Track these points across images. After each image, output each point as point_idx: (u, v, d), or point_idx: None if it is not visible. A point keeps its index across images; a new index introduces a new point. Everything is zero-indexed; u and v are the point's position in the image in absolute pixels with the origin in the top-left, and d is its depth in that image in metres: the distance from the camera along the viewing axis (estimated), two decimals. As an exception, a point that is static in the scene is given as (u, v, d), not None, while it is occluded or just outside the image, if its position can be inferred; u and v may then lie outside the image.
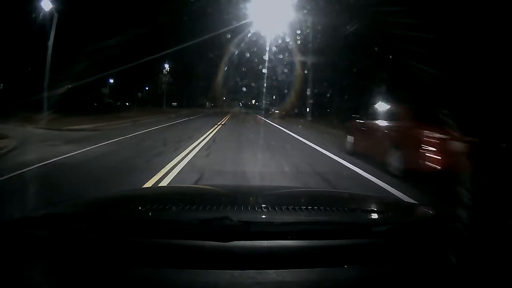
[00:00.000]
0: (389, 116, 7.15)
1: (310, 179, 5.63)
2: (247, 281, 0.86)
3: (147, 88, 62.00)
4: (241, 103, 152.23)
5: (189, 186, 3.29)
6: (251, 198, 1.68)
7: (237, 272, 0.89)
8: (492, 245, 1.06)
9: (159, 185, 4.61)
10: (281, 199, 1.72)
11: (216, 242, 0.94)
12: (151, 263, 0.92)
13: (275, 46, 26.66)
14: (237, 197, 1.73)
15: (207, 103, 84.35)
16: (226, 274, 0.88)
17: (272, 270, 0.89)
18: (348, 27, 18.14)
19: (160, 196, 1.85)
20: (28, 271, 0.91)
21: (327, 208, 1.44)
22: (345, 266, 0.93)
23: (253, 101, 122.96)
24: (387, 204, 1.84)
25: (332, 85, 24.17)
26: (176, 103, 58.48)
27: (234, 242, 0.95)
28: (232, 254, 0.92)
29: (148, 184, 4.75)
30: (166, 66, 54.23)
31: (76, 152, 7.56)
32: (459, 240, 1.08)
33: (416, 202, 3.73)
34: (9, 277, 0.87)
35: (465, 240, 1.08)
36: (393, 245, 1.03)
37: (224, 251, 0.92)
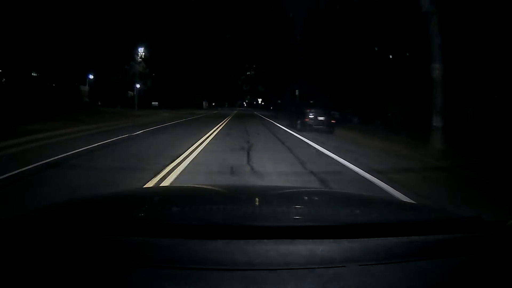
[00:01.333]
0: None
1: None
2: (247, 282, 0.83)
3: (138, 86, 49.53)
4: (246, 102, 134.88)
5: (191, 186, 3.09)
6: (253, 198, 1.61)
7: (237, 273, 0.86)
8: (494, 245, 1.05)
9: (160, 185, 4.50)
10: (282, 199, 1.67)
11: (216, 243, 0.94)
12: (151, 263, 0.89)
13: None
14: (239, 197, 1.69)
15: (204, 102, 68.75)
16: (226, 274, 0.86)
17: (272, 271, 0.87)
18: None
19: (161, 196, 1.79)
20: (23, 272, 0.87)
21: (329, 208, 1.49)
22: (345, 266, 0.90)
23: (259, 100, 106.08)
24: (389, 204, 1.87)
25: None
26: (157, 103, 42.83)
27: (234, 242, 0.94)
28: (232, 255, 0.90)
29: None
30: (141, 50, 38.59)
31: None
32: (462, 240, 1.08)
33: (417, 202, 3.64)
34: (4, 279, 0.84)
35: (468, 240, 1.08)
36: (394, 245, 1.01)
37: (224, 252, 0.91)
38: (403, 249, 0.99)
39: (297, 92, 28.93)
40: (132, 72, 38.13)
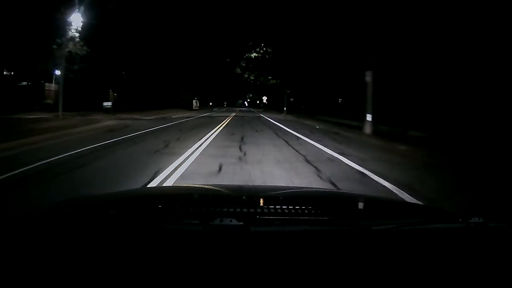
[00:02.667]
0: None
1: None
2: (245, 281, 0.84)
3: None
4: (247, 102, 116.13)
5: (192, 186, 3.12)
6: (253, 198, 1.62)
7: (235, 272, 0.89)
8: (494, 246, 1.05)
9: (163, 185, 4.57)
10: (282, 199, 1.69)
11: (215, 242, 0.96)
12: (151, 261, 0.90)
13: None
14: (240, 197, 1.68)
15: (194, 101, 53.13)
16: (224, 274, 0.87)
17: (271, 269, 0.88)
18: None
19: (163, 195, 1.83)
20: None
21: (328, 207, 1.47)
22: (344, 266, 0.92)
23: (264, 99, 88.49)
24: (388, 204, 1.84)
25: None
26: (110, 103, 27.14)
27: (233, 241, 0.96)
28: (230, 255, 0.91)
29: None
30: (77, 21, 22.88)
31: None
32: (462, 240, 1.08)
33: (417, 203, 3.60)
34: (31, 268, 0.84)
35: (467, 240, 1.08)
36: (393, 245, 1.02)
37: (223, 252, 0.92)
38: (402, 249, 0.98)
39: (368, 76, 12.94)
40: (61, 54, 22.74)
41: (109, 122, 18.81)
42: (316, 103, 33.64)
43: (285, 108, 38.87)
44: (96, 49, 31.40)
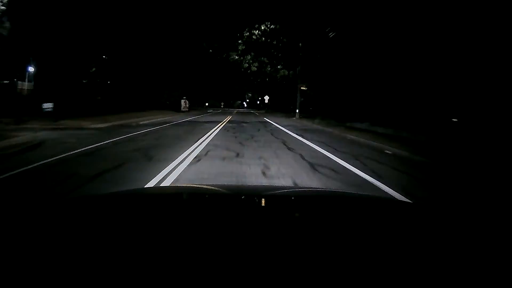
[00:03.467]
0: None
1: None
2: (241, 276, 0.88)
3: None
4: (246, 102, 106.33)
5: (192, 186, 3.20)
6: (253, 198, 1.64)
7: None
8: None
9: (161, 185, 4.72)
10: (282, 199, 1.71)
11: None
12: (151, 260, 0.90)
13: None
14: (239, 197, 1.70)
15: (183, 101, 44.32)
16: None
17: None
18: None
19: (160, 195, 1.81)
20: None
21: (329, 207, 1.52)
22: (341, 265, 0.97)
23: (266, 99, 79.01)
24: (387, 204, 1.86)
25: None
26: (51, 105, 18.43)
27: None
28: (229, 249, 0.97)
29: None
30: None
31: None
32: (454, 239, 1.12)
33: (414, 202, 3.73)
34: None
35: (460, 239, 1.11)
36: (390, 244, 1.05)
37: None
38: (400, 248, 1.01)
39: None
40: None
41: (21, 137, 10.62)
42: (336, 103, 24.93)
43: (297, 110, 29.94)
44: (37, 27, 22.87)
